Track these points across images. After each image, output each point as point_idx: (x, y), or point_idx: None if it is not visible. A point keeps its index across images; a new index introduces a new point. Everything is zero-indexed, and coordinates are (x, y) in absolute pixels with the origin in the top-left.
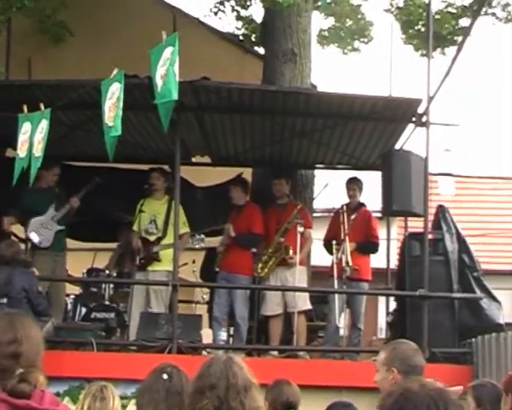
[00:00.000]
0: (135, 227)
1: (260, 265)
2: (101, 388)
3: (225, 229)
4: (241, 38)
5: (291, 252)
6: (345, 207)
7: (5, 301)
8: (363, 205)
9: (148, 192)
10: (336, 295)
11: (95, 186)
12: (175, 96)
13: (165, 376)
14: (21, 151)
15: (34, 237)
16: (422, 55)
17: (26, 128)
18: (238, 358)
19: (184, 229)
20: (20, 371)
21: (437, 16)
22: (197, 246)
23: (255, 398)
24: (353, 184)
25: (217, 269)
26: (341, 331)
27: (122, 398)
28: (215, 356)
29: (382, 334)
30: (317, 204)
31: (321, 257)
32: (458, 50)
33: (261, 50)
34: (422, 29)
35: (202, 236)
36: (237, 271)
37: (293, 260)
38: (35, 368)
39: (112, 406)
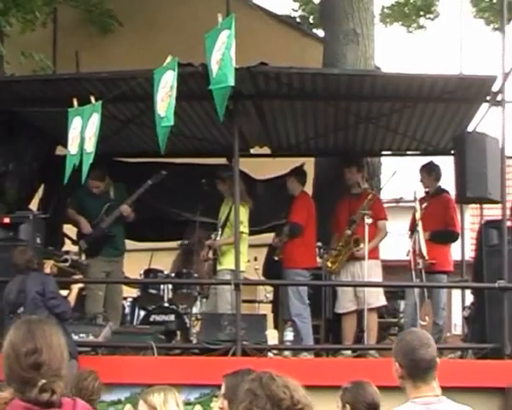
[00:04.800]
0: None
1: (331, 259)
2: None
3: None
4: (298, 20)
5: (361, 245)
6: (417, 195)
7: (22, 310)
8: (442, 191)
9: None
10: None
11: (146, 189)
12: (231, 81)
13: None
14: (72, 148)
15: (83, 245)
16: (494, 29)
17: (76, 123)
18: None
19: (241, 228)
20: (42, 382)
21: None
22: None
23: None
24: (421, 172)
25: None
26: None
27: (186, 404)
28: None
29: (457, 330)
30: (384, 194)
31: (392, 251)
32: None
33: (320, 32)
34: (494, 1)
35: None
36: (287, 265)
37: (359, 253)
38: (59, 377)
39: None
